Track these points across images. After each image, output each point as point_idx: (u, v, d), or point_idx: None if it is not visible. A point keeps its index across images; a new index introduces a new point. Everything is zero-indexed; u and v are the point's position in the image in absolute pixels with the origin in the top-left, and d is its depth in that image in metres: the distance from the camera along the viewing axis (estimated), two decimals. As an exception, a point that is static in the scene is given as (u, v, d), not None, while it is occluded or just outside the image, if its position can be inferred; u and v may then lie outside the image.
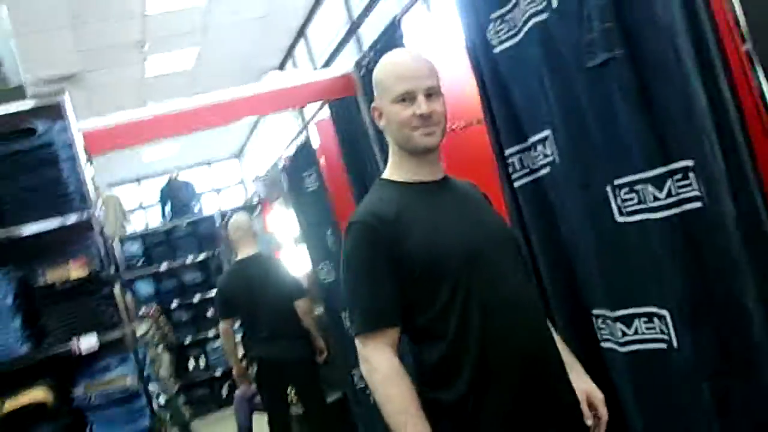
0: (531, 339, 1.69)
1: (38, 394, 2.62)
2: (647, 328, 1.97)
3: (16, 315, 2.64)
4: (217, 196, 12.25)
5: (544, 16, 2.01)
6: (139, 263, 8.19)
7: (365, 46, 3.76)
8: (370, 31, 5.41)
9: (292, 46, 8.21)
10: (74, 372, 2.74)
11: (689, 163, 1.67)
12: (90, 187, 2.71)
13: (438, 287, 1.65)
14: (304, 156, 4.70)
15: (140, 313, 5.79)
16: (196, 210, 8.91)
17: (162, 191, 8.85)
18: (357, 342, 1.68)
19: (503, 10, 2.20)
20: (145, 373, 3.12)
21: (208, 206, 9.59)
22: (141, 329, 5.62)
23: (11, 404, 2.60)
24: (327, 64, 7.21)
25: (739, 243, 1.60)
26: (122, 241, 8.09)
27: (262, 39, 7.70)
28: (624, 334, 2.04)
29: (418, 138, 1.72)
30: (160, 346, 5.71)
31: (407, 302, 1.67)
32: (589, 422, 1.80)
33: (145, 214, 11.66)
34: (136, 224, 9.26)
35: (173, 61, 7.71)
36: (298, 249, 5.32)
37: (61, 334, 2.66)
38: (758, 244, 1.58)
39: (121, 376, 2.70)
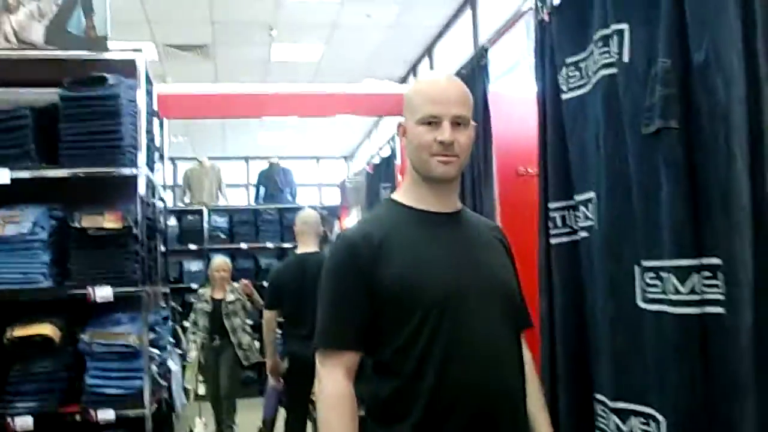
0: (489, 397, 1.55)
1: (48, 328, 2.69)
2: (642, 431, 1.76)
3: (47, 250, 2.74)
4: (317, 192, 12.45)
5: (613, 69, 1.85)
6: (222, 236, 8.43)
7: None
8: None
9: (418, 61, 8.21)
10: (86, 317, 2.80)
11: (718, 261, 1.47)
12: (143, 147, 2.77)
13: (405, 321, 1.55)
14: (384, 168, 4.67)
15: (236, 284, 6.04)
16: (289, 198, 9.08)
17: (260, 174, 9.08)
18: (316, 358, 1.60)
19: (579, 57, 2.06)
20: (161, 343, 3.16)
21: (303, 198, 9.73)
22: (230, 297, 5.80)
23: (21, 331, 2.69)
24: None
25: (751, 363, 1.38)
26: (210, 211, 8.35)
27: (390, 47, 7.73)
28: (618, 429, 1.84)
29: (434, 165, 1.62)
30: (239, 319, 5.82)
31: (375, 331, 1.58)
32: None
33: (246, 192, 12.02)
34: (231, 199, 9.52)
35: (299, 51, 7.88)
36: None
37: (82, 278, 2.72)
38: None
39: (127, 333, 2.73)
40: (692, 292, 1.57)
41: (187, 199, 8.77)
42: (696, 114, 1.54)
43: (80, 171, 2.72)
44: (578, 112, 2.04)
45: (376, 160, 4.91)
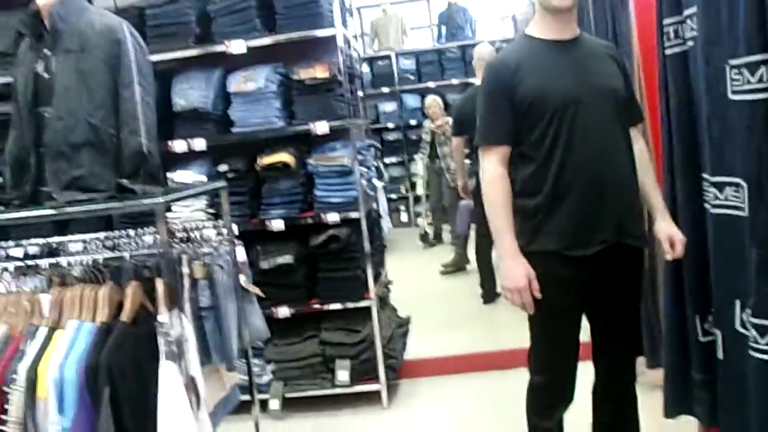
0: (602, 175, 2.17)
1: (285, 156, 3.60)
2: (734, 196, 2.26)
3: (277, 98, 3.59)
4: (500, 23, 12.55)
5: None
6: (411, 77, 9.14)
7: None
8: None
9: None
10: (310, 147, 3.69)
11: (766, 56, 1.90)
12: (337, 11, 3.47)
13: (538, 122, 2.19)
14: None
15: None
16: (469, 34, 9.48)
17: (440, 15, 9.51)
18: (479, 151, 2.29)
19: None
20: (367, 164, 4.00)
21: (483, 32, 10.01)
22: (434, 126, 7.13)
23: (267, 159, 3.62)
24: None
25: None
26: (398, 55, 9.03)
27: None
28: (716, 197, 2.35)
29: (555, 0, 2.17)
30: (447, 147, 6.87)
31: (517, 130, 2.23)
32: (668, 257, 2.31)
33: (430, 32, 12.46)
34: (416, 42, 10.07)
35: None
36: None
37: (305, 117, 3.56)
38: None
39: (341, 156, 3.58)
40: (760, 80, 2.01)
41: (375, 47, 9.49)
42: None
43: (293, 35, 3.49)
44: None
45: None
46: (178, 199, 2.21)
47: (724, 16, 2.16)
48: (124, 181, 2.09)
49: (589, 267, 2.20)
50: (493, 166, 2.24)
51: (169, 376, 1.75)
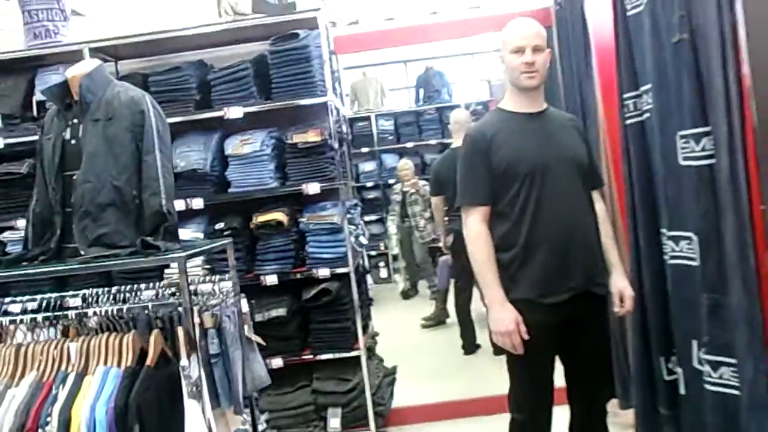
0: (568, 231, 2.44)
1: (279, 215, 3.83)
2: (687, 248, 2.56)
3: (271, 161, 3.85)
4: (476, 87, 13.06)
5: (655, -6, 2.54)
6: (389, 138, 9.51)
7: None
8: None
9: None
10: (302, 206, 3.94)
11: (709, 129, 2.22)
12: (329, 80, 3.78)
13: (511, 185, 2.47)
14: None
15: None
16: (446, 97, 9.92)
17: (418, 78, 9.95)
18: (462, 211, 2.57)
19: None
20: (355, 222, 4.26)
21: (459, 96, 10.45)
22: (410, 189, 7.52)
23: (262, 218, 3.85)
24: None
25: (727, 182, 2.15)
26: (377, 117, 9.42)
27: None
28: (672, 250, 2.64)
29: (523, 79, 2.49)
30: (417, 206, 7.23)
31: (494, 193, 2.50)
32: (616, 309, 2.56)
33: (408, 93, 12.93)
34: (394, 103, 10.48)
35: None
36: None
37: (298, 178, 3.82)
38: (738, 192, 2.13)
39: (331, 214, 3.84)
40: (703, 149, 2.32)
41: (355, 108, 9.88)
42: (697, 30, 2.25)
43: (288, 103, 3.78)
44: (636, 26, 2.74)
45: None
46: (195, 255, 2.43)
47: (673, 93, 2.50)
48: (149, 239, 2.32)
49: (561, 313, 2.46)
50: (476, 224, 2.51)
51: (193, 414, 1.95)
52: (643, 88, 2.77)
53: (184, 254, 2.21)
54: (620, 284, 2.59)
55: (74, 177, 2.44)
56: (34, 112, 3.89)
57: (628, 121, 2.91)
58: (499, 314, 2.43)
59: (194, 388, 2.03)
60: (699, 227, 2.38)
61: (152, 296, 2.61)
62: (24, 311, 2.47)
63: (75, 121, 2.51)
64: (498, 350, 3.04)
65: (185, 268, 2.16)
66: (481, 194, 2.52)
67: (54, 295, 2.61)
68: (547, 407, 2.54)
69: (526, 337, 2.40)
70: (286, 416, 3.81)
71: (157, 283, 2.72)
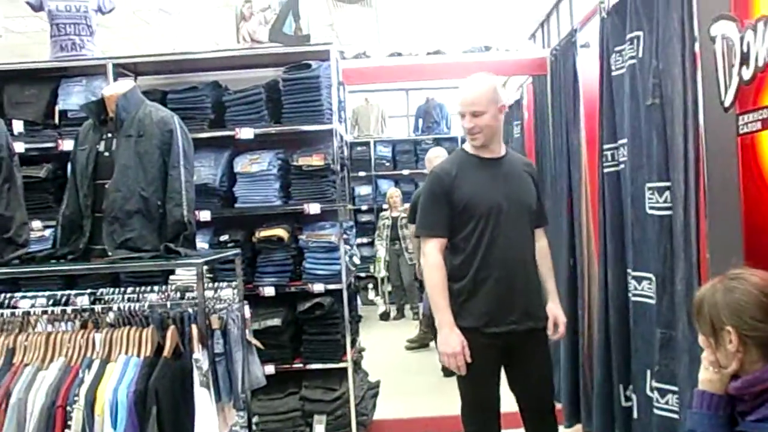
0: (513, 269, 2.73)
1: (280, 231, 4.11)
2: (647, 287, 2.86)
3: (276, 180, 4.14)
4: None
5: (635, 61, 2.87)
6: (386, 164, 9.83)
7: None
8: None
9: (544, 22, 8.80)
10: (302, 224, 4.23)
11: (670, 184, 2.54)
12: (335, 108, 4.08)
13: (468, 222, 2.75)
14: (515, 109, 5.74)
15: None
16: (445, 129, 10.27)
17: (418, 108, 10.31)
18: (420, 241, 2.85)
19: (620, 47, 3.06)
20: (350, 242, 4.54)
21: (458, 128, 10.78)
22: (402, 215, 7.94)
23: (264, 233, 4.12)
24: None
25: (682, 241, 2.45)
26: (376, 143, 9.74)
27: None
28: (635, 288, 2.94)
29: (469, 140, 2.81)
30: (407, 230, 7.59)
31: (451, 228, 2.77)
32: (549, 334, 2.85)
33: (407, 122, 13.30)
34: (394, 131, 10.83)
35: None
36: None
37: (300, 198, 4.11)
38: (689, 241, 2.43)
39: (329, 234, 4.12)
40: (665, 201, 2.64)
41: (355, 133, 10.20)
42: (665, 94, 2.57)
43: (296, 128, 4.08)
44: (618, 86, 3.07)
45: (510, 102, 5.98)
46: (212, 261, 2.70)
47: (644, 149, 2.82)
48: (171, 245, 2.60)
49: (503, 340, 2.73)
50: (433, 253, 2.76)
51: (204, 400, 2.22)
52: (620, 141, 3.09)
53: (201, 260, 2.48)
54: (555, 311, 2.86)
55: (105, 185, 2.72)
56: (56, 120, 4.15)
57: (606, 170, 3.23)
58: (447, 337, 2.69)
59: (205, 378, 2.29)
60: (657, 269, 2.69)
61: (160, 298, 2.89)
62: (32, 306, 2.72)
63: (109, 135, 2.80)
64: (447, 372, 3.33)
65: (203, 273, 2.43)
66: (440, 227, 2.77)
67: (72, 292, 2.89)
68: (493, 424, 2.81)
69: (469, 360, 2.66)
70: (275, 420, 4.05)
71: (164, 287, 3.00)
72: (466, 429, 2.86)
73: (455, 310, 2.72)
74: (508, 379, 2.87)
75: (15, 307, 2.77)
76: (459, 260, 2.76)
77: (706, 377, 1.76)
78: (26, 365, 2.39)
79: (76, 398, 2.23)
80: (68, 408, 2.23)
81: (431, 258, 2.76)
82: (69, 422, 2.21)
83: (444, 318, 2.71)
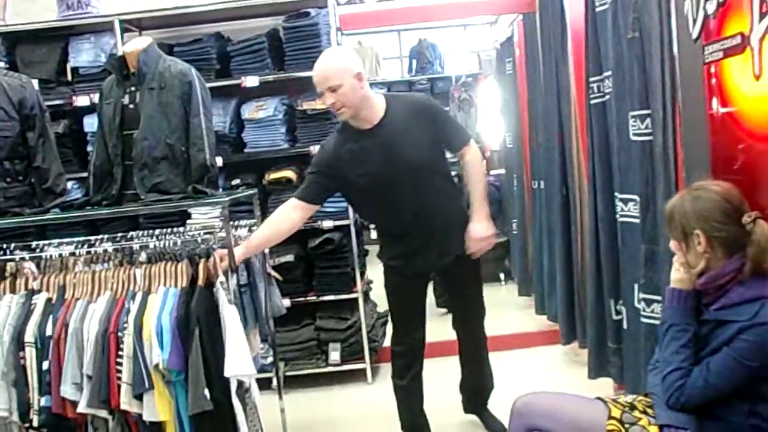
0: (421, 224, 2.99)
1: (288, 173, 4.35)
2: (633, 208, 3.12)
3: (282, 125, 4.36)
4: (467, 59, 13.49)
5: (617, -4, 3.06)
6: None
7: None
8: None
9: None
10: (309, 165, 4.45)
11: (650, 111, 2.77)
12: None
13: (362, 198, 3.08)
14: (507, 47, 5.91)
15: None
16: (438, 69, 10.40)
17: (411, 50, 10.43)
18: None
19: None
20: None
21: (451, 67, 10.89)
22: None
23: (273, 175, 4.37)
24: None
25: (662, 164, 2.70)
26: (371, 85, 9.86)
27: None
28: (622, 210, 3.20)
29: (338, 116, 2.97)
30: None
31: (354, 204, 3.28)
32: (468, 252, 3.12)
33: (400, 63, 13.36)
34: (388, 72, 10.94)
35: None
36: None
37: (306, 141, 4.33)
38: (668, 164, 2.69)
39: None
40: (647, 128, 2.87)
41: (351, 76, 10.31)
42: (643, 29, 2.78)
43: (299, 74, 4.27)
44: (601, 21, 3.26)
45: (502, 39, 6.14)
46: (235, 200, 2.96)
47: (626, 80, 3.03)
48: (198, 186, 2.85)
49: (424, 277, 3.22)
50: (289, 208, 3.03)
51: (232, 316, 2.51)
52: (605, 74, 3.30)
53: (227, 199, 2.74)
54: (470, 231, 3.07)
55: (133, 135, 2.95)
56: (69, 77, 4.33)
57: (593, 101, 3.45)
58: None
59: (233, 297, 2.58)
60: (641, 191, 2.94)
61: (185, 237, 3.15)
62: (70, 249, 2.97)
63: (132, 89, 3.02)
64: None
65: (227, 212, 2.69)
66: (305, 192, 3.04)
67: (104, 236, 3.14)
68: (417, 342, 3.26)
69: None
70: (292, 350, 4.38)
71: (183, 228, 3.26)
72: (395, 345, 3.26)
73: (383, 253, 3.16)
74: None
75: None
76: (376, 230, 3.19)
77: (678, 277, 2.03)
78: (77, 299, 2.66)
79: (125, 325, 2.51)
80: (119, 334, 2.51)
81: (286, 204, 3.06)
82: (121, 346, 2.50)
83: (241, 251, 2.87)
